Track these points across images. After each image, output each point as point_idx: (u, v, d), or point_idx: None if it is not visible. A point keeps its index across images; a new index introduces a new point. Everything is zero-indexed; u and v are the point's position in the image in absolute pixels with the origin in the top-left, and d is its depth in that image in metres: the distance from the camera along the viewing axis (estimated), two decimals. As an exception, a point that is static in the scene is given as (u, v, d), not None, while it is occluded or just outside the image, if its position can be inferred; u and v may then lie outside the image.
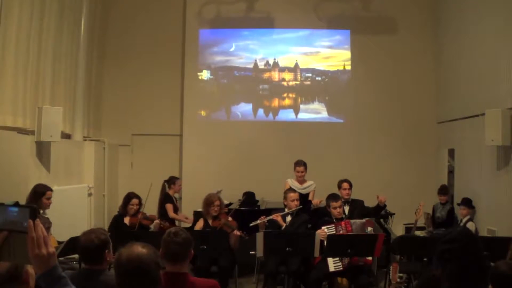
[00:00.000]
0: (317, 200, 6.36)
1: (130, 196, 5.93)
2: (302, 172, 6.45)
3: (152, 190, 6.79)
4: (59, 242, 4.74)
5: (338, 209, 5.34)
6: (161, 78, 8.71)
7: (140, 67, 8.66)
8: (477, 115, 6.71)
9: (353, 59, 8.68)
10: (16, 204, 1.62)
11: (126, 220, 5.85)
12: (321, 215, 5.69)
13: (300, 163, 6.49)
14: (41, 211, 4.79)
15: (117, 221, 5.89)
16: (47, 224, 4.74)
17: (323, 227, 5.25)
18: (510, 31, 5.91)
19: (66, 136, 7.14)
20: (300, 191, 6.23)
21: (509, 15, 5.94)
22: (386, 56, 8.59)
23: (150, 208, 6.59)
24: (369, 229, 5.24)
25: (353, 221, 5.34)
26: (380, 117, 8.55)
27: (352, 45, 8.69)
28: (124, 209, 5.91)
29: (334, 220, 5.35)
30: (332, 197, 5.46)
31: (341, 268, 5.00)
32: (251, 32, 8.85)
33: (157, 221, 6.04)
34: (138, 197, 5.94)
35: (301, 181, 6.50)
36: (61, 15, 6.80)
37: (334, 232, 5.18)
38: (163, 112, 8.68)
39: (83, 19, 7.53)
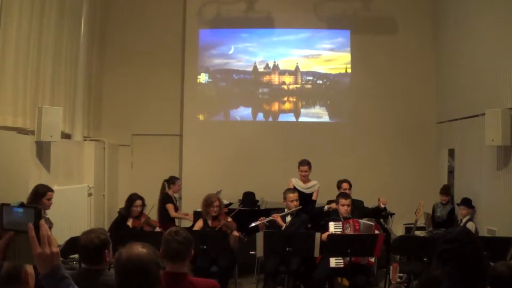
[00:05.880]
0: (333, 204, 6.22)
1: (133, 198, 5.73)
2: (306, 171, 6.45)
3: (152, 189, 6.82)
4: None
5: (345, 207, 5.35)
6: (161, 78, 8.70)
7: (140, 67, 8.65)
8: (477, 115, 6.71)
9: (353, 59, 8.66)
10: (22, 205, 1.63)
11: (129, 222, 5.68)
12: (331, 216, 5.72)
13: (304, 163, 6.50)
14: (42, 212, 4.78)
15: (117, 224, 5.74)
16: (48, 224, 4.74)
17: (330, 223, 5.27)
18: (510, 31, 5.91)
19: (66, 136, 7.14)
20: (304, 190, 6.25)
21: (509, 15, 5.94)
22: (386, 56, 8.59)
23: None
24: (376, 232, 5.24)
25: (361, 220, 5.35)
26: (380, 117, 8.54)
27: (352, 45, 8.67)
28: (127, 211, 5.72)
29: (342, 218, 5.36)
30: (343, 195, 5.53)
31: (342, 265, 5.02)
32: (250, 34, 8.72)
33: (159, 229, 5.67)
34: (141, 198, 5.77)
35: (305, 180, 6.51)
36: (61, 15, 6.80)
37: (341, 230, 5.20)
38: (163, 112, 8.68)
39: (83, 19, 7.53)
